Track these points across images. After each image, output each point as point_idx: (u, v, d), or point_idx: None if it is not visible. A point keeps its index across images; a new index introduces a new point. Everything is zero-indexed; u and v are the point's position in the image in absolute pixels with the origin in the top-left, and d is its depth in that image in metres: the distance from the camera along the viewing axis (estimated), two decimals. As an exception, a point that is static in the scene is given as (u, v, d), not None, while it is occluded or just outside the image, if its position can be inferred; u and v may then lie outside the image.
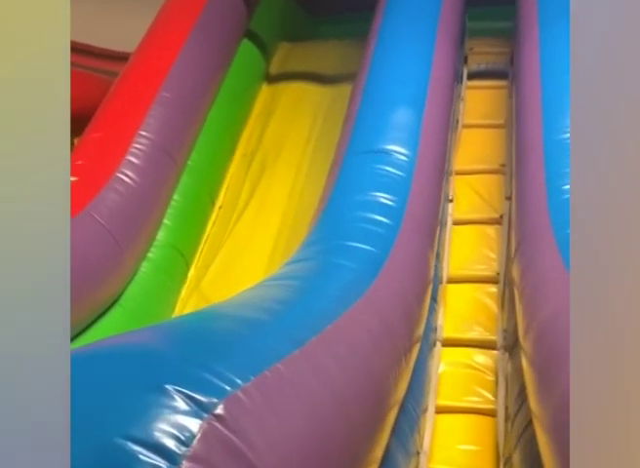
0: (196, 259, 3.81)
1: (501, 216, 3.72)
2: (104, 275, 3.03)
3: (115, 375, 1.18)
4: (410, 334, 2.26)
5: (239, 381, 1.23)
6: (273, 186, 4.12)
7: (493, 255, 3.60)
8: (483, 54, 4.65)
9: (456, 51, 3.75)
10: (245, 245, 3.87)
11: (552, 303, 2.02)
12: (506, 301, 3.28)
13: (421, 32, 3.65)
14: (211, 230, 3.97)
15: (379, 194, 2.82)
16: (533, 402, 1.92)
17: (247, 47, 4.48)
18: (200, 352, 1.30)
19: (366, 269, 2.27)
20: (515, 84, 3.73)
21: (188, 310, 3.60)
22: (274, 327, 1.60)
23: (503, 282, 3.40)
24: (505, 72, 4.52)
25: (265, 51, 4.72)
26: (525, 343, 2.20)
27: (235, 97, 4.29)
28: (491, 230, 3.70)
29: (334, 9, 5.48)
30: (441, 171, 3.20)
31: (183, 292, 3.67)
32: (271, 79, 4.77)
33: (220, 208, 4.08)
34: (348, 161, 3.05)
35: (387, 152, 3.04)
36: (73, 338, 2.89)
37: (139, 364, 1.22)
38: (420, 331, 2.50)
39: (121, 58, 4.46)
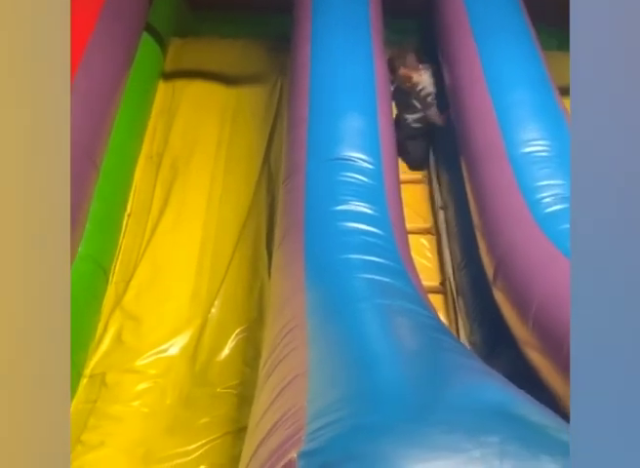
0: (112, 272, 3.45)
1: (431, 227, 3.70)
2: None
3: None
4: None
5: None
6: (189, 193, 3.81)
7: (430, 265, 3.57)
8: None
9: (385, 57, 3.66)
10: (167, 257, 3.54)
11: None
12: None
13: (357, 37, 3.52)
14: (122, 240, 3.61)
15: (359, 203, 2.67)
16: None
17: (147, 41, 4.13)
18: None
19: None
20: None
21: (112, 329, 3.25)
22: None
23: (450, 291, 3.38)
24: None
25: (163, 45, 4.39)
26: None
27: (139, 94, 3.94)
28: (424, 240, 3.66)
29: (214, 6, 5.21)
30: (398, 178, 3.10)
31: (103, 308, 3.30)
32: (167, 76, 4.43)
33: (128, 215, 3.72)
34: (312, 169, 2.87)
35: (351, 159, 2.90)
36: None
37: None
38: None
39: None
